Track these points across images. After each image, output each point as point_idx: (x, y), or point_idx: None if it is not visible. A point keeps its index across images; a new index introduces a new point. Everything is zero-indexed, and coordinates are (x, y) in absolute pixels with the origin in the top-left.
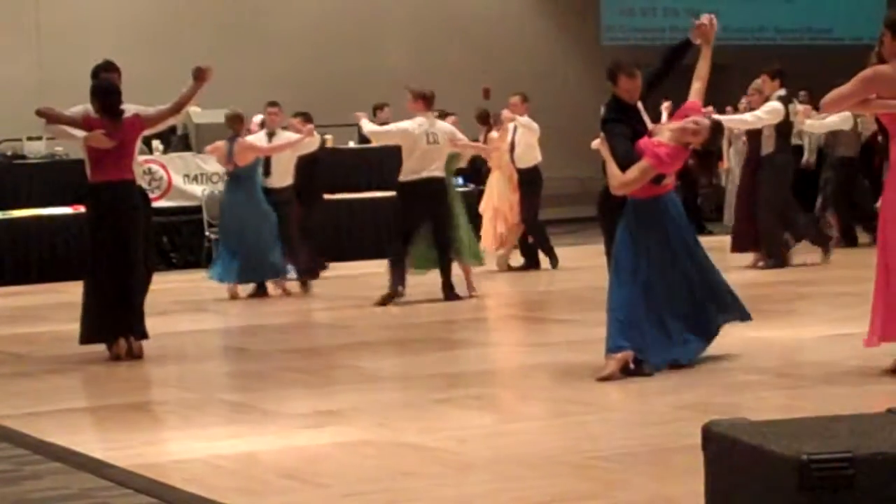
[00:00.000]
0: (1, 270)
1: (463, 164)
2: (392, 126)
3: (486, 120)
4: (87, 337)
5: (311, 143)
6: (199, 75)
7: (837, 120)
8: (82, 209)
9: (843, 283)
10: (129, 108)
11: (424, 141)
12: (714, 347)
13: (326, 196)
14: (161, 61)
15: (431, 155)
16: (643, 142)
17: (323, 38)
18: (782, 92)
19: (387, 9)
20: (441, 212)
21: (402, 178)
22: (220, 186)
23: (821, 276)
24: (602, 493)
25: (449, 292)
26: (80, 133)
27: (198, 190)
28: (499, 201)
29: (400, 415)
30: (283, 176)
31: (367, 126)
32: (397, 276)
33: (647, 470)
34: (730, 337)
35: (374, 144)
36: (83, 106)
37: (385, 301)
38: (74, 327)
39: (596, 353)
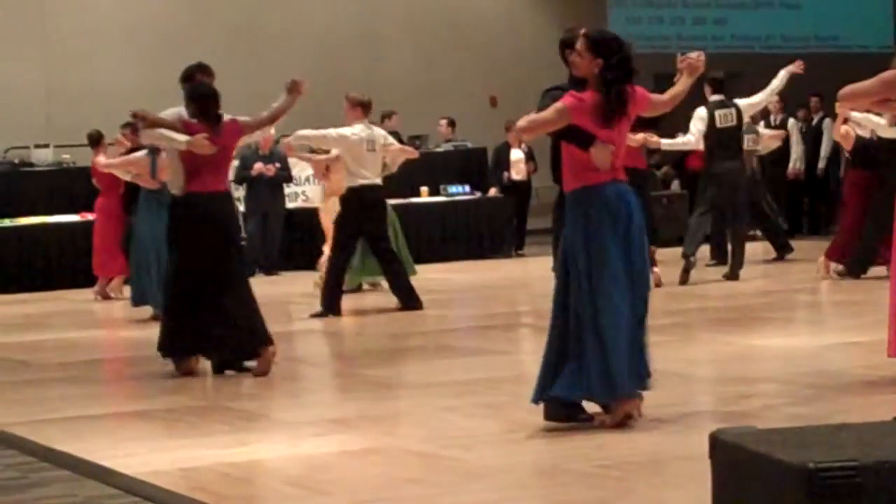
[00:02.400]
0: (8, 278)
1: (394, 169)
2: (331, 130)
3: None
4: (174, 351)
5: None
6: (294, 88)
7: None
8: (90, 216)
9: (851, 292)
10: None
11: (364, 148)
12: (721, 356)
13: None
14: (169, 68)
15: (370, 162)
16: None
17: (328, 45)
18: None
19: (392, 16)
20: (379, 220)
21: (348, 185)
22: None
23: (826, 285)
24: (609, 501)
25: (406, 300)
26: (182, 138)
27: None
28: None
29: (406, 423)
30: None
31: (301, 132)
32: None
33: (653, 478)
34: (736, 345)
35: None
36: (174, 109)
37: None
38: (81, 335)
39: None
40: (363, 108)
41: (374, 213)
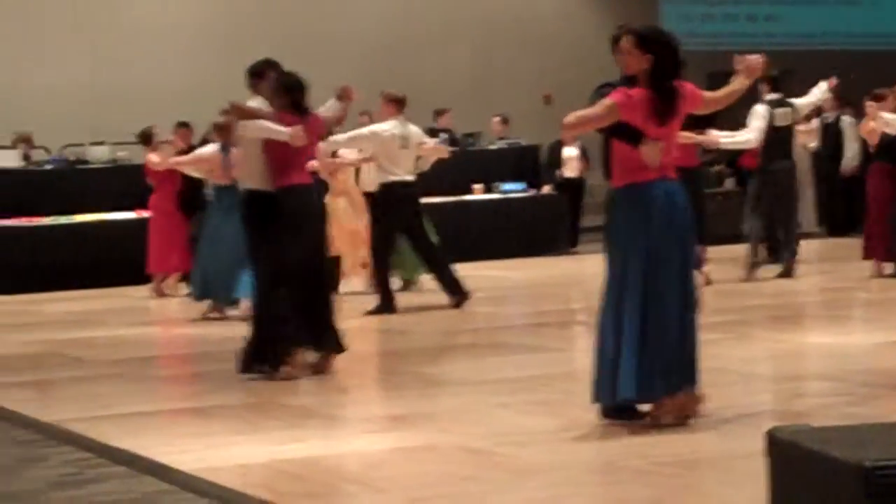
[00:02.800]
0: (63, 275)
1: (426, 168)
2: (363, 129)
3: None
4: (263, 357)
5: None
6: (345, 94)
7: None
8: (145, 214)
9: None
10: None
11: (397, 144)
12: (776, 354)
13: None
14: (219, 66)
15: (403, 159)
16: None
17: (380, 43)
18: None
19: (446, 14)
20: (413, 216)
21: (380, 181)
22: None
23: (880, 283)
24: (664, 499)
25: (452, 291)
26: (284, 129)
27: None
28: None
29: (460, 420)
30: None
31: (334, 138)
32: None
33: (709, 476)
34: (791, 343)
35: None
36: (251, 102)
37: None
38: (136, 331)
39: None
40: (397, 105)
41: (406, 210)
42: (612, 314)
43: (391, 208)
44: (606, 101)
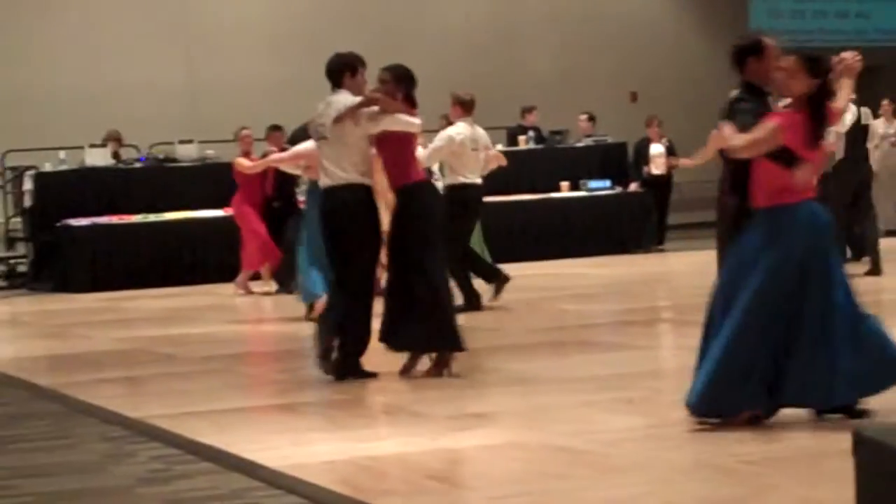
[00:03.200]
0: (153, 272)
1: (483, 173)
2: (435, 141)
3: None
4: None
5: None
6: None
7: None
8: (231, 211)
9: None
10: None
11: (468, 147)
12: None
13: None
14: (307, 65)
15: (472, 161)
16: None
17: (468, 42)
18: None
19: (533, 12)
20: (469, 219)
21: (449, 182)
22: None
23: None
24: (750, 497)
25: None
26: (416, 121)
27: None
28: None
29: (548, 417)
30: None
31: (420, 152)
32: (467, 286)
33: (796, 474)
34: None
35: (520, 147)
36: (347, 97)
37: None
38: (225, 328)
39: None
40: (465, 107)
41: (475, 211)
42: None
43: (462, 209)
44: (770, 124)
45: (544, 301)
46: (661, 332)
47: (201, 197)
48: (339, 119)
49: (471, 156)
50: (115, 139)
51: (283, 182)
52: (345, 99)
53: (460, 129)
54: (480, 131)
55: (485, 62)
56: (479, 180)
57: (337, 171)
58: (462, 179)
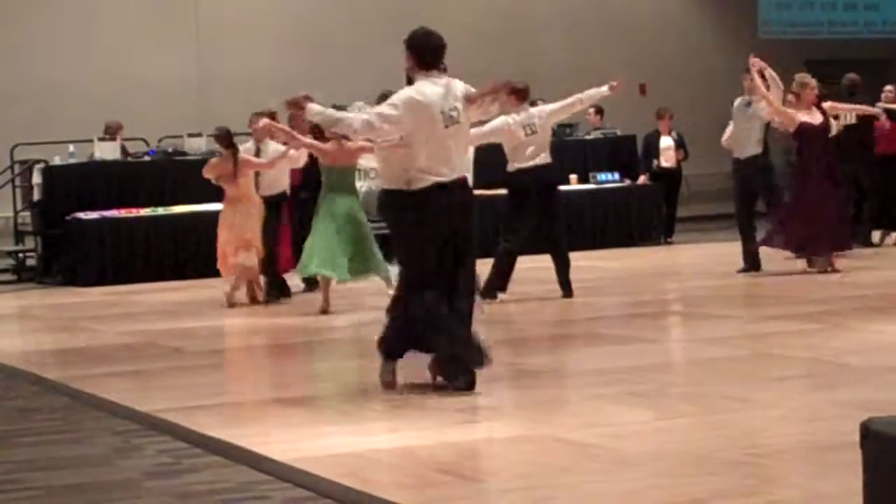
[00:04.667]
0: (161, 266)
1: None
2: (490, 124)
3: None
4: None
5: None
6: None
7: None
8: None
9: None
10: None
11: (522, 133)
12: (870, 345)
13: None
14: (318, 58)
15: (530, 145)
16: None
17: (479, 34)
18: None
19: (543, 5)
20: (550, 201)
21: (510, 169)
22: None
23: None
24: (759, 490)
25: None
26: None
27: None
28: None
29: (556, 411)
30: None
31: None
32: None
33: (804, 467)
34: (887, 334)
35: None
36: (360, 103)
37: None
38: (233, 322)
39: (754, 349)
40: (517, 95)
41: (537, 192)
42: None
43: (518, 195)
44: None
45: (553, 294)
46: (670, 325)
47: (210, 190)
48: (472, 99)
49: (526, 141)
50: (116, 130)
51: (310, 172)
52: (462, 86)
53: (515, 116)
54: (537, 111)
55: (495, 55)
56: (542, 162)
57: (463, 162)
58: (518, 165)
